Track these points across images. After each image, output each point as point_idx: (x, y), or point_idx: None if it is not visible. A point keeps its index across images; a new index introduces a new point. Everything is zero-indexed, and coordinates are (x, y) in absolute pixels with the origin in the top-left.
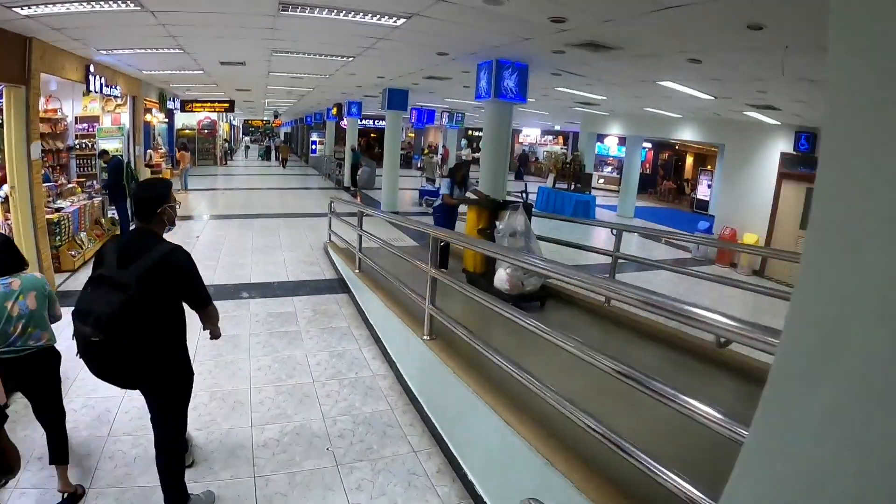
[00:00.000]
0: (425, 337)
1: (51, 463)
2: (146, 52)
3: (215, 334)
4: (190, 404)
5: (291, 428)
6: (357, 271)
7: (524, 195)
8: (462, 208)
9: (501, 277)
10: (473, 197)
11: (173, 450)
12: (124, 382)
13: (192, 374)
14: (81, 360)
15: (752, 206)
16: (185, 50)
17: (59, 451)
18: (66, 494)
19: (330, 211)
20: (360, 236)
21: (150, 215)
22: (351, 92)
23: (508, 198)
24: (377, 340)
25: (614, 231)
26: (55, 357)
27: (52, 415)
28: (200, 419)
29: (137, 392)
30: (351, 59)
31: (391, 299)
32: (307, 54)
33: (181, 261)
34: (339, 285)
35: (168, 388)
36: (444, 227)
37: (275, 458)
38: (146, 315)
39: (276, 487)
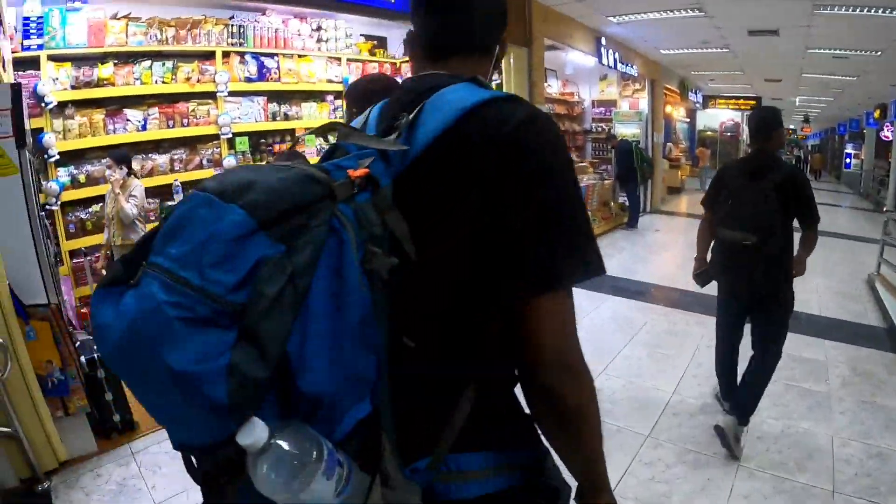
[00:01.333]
0: None
1: None
2: (661, 19)
3: (800, 271)
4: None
5: None
6: None
7: None
8: None
9: None
10: None
11: (772, 366)
12: (761, 291)
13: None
14: (716, 278)
15: None
16: (706, 12)
17: None
18: None
19: (884, 233)
20: None
21: (768, 136)
22: None
23: None
24: None
25: None
26: None
27: None
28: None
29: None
30: None
31: None
32: (861, 8)
33: (805, 179)
34: (888, 338)
35: (784, 306)
36: None
37: None
38: (783, 225)
39: None
